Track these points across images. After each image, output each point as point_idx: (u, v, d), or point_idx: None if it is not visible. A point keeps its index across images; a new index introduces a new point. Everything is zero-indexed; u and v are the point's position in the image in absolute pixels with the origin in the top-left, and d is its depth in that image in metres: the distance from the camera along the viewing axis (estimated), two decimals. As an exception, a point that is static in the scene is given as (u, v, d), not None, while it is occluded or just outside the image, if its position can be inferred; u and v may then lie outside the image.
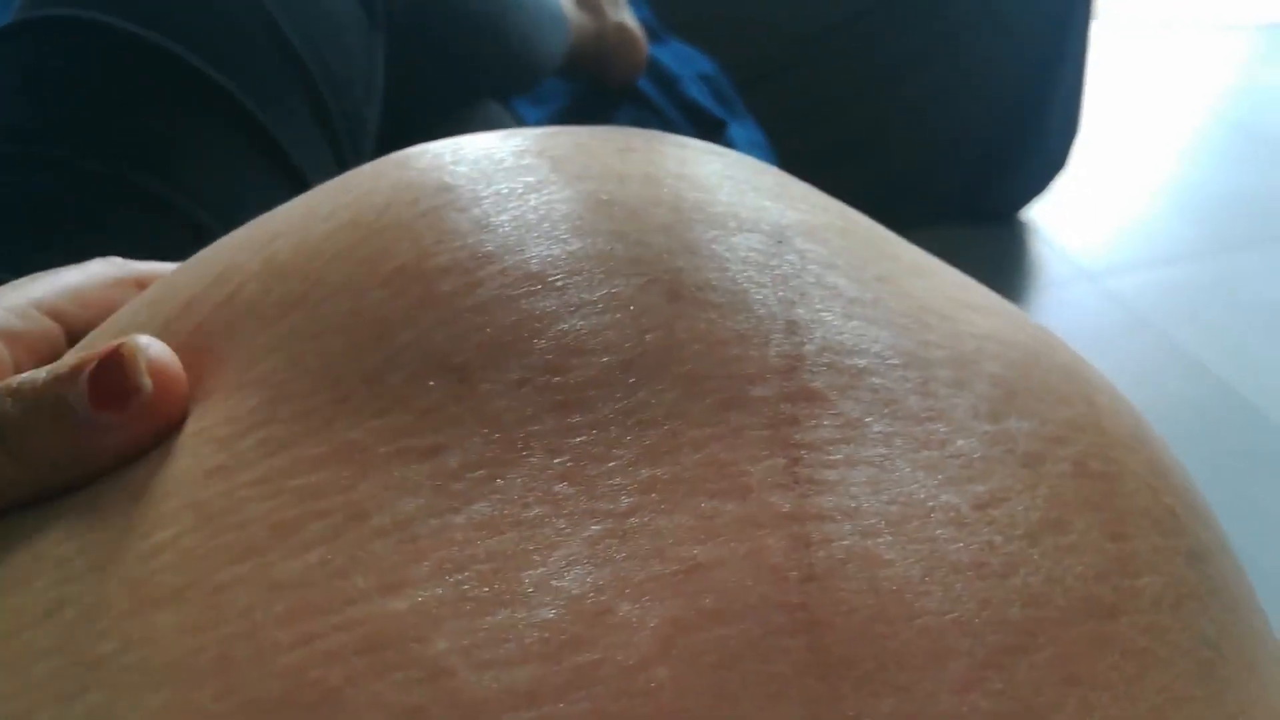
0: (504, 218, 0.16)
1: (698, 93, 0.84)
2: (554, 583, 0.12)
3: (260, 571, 0.12)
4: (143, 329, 0.17)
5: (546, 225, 0.16)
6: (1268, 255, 1.45)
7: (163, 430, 0.15)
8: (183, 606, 0.12)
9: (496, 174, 0.18)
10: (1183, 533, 0.15)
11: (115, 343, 0.15)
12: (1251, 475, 1.08)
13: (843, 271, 0.17)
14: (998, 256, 1.43)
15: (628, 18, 0.84)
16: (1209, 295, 1.37)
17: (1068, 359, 0.18)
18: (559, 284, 0.15)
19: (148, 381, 0.15)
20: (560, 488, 0.13)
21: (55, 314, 0.20)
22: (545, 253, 0.16)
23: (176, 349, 0.16)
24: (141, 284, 0.22)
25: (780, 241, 0.17)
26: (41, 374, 0.15)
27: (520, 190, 0.17)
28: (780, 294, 0.16)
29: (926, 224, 1.43)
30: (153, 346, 0.15)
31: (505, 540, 0.12)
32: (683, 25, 1.04)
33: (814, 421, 0.14)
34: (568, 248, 0.16)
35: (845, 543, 0.12)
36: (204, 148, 0.40)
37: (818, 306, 0.16)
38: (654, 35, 0.94)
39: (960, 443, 0.14)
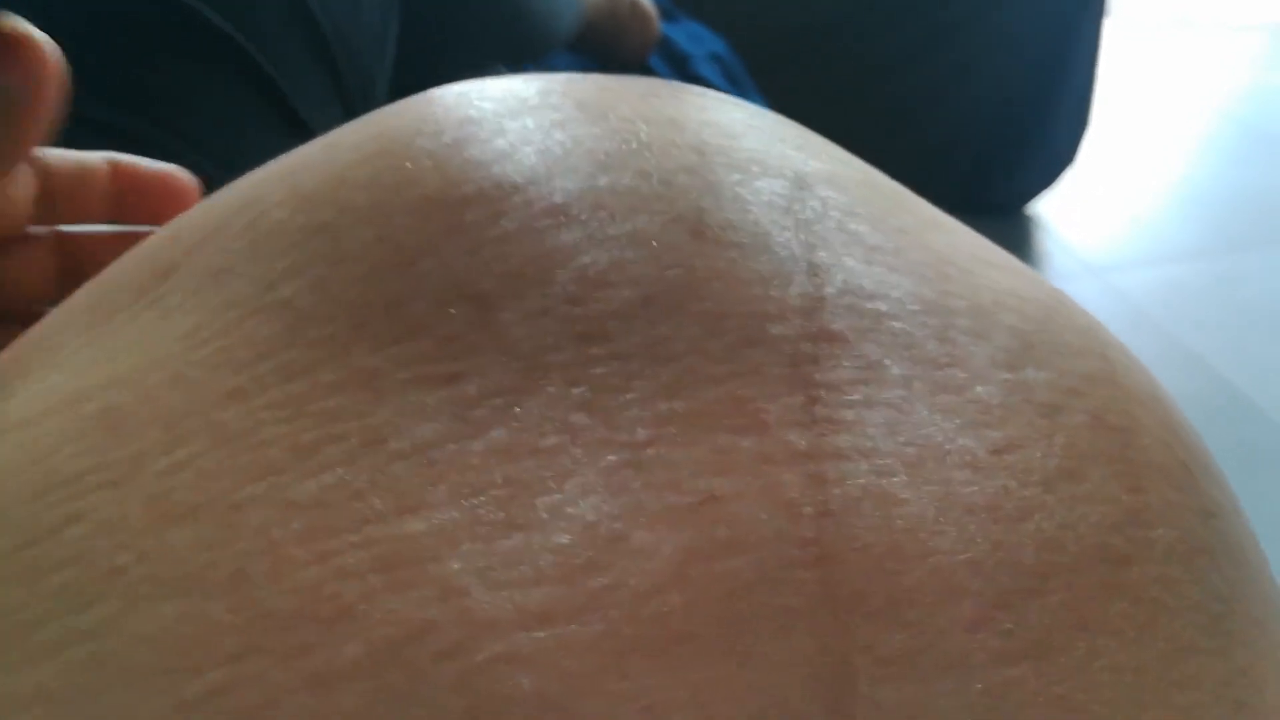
0: (529, 149, 0.16)
1: (709, 71, 0.84)
2: (569, 509, 0.12)
3: (277, 491, 0.12)
4: (160, 262, 0.17)
5: (572, 159, 0.16)
6: (1272, 255, 1.45)
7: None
8: (200, 523, 0.12)
9: (521, 109, 0.18)
10: (1196, 490, 0.15)
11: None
12: (1252, 473, 1.08)
13: (864, 219, 0.17)
14: (1006, 250, 1.43)
15: (641, -6, 0.83)
16: (1213, 294, 1.37)
17: (1084, 319, 0.18)
18: (583, 218, 0.15)
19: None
20: (578, 418, 0.13)
21: None
22: (570, 186, 0.16)
23: (198, 274, 0.16)
24: (34, 162, 0.23)
25: (803, 188, 0.17)
26: None
27: (546, 125, 0.17)
28: (802, 237, 0.16)
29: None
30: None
31: (522, 467, 0.12)
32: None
33: (833, 362, 0.14)
34: (593, 182, 0.16)
35: (861, 481, 0.12)
36: (214, 102, 0.40)
37: (840, 251, 0.16)
38: (667, 14, 0.94)
39: (978, 389, 0.14)
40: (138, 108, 0.38)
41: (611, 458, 0.12)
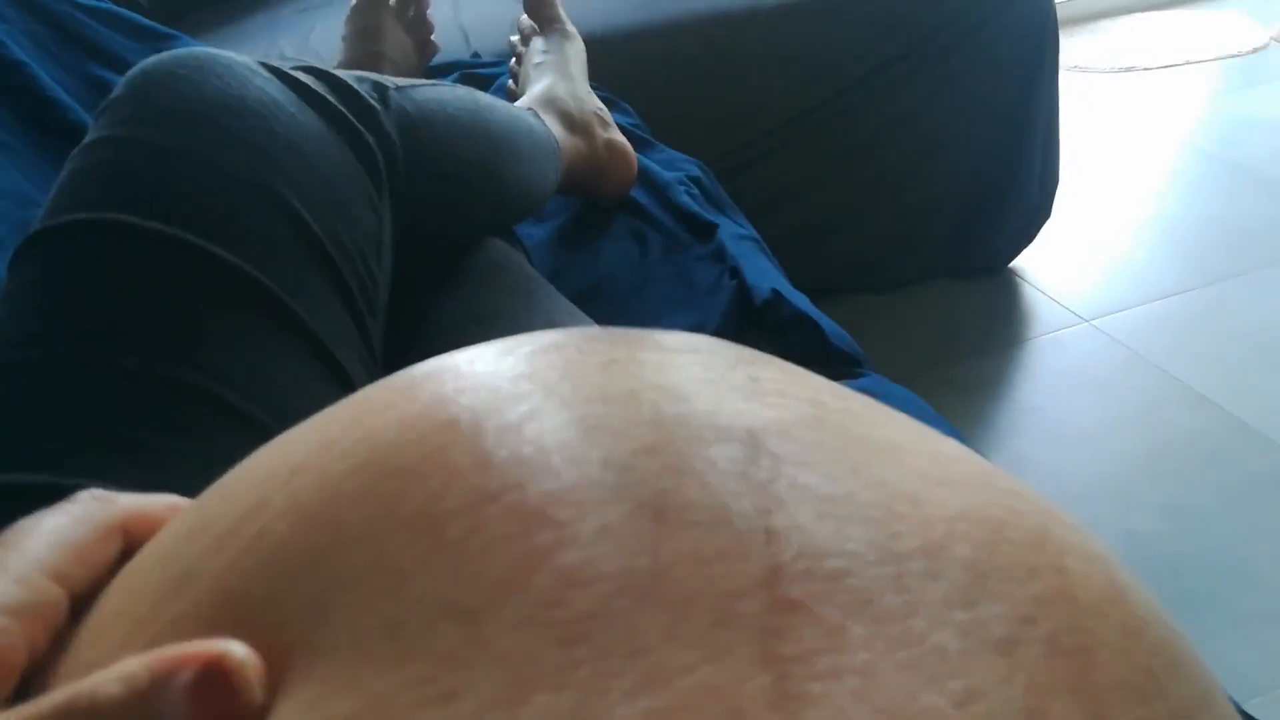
0: (503, 454, 0.18)
1: (686, 198, 0.89)
2: None
3: None
4: (178, 565, 0.18)
5: (541, 459, 0.18)
6: (1250, 281, 1.49)
7: None
8: None
9: (496, 404, 0.19)
10: (1163, 695, 0.16)
11: (214, 651, 0.15)
12: (1260, 497, 1.10)
13: (815, 469, 0.18)
14: (992, 307, 1.47)
15: (616, 134, 0.89)
16: (1200, 325, 1.40)
17: (1036, 524, 0.18)
18: (556, 517, 0.16)
19: (259, 693, 0.15)
20: None
21: (60, 578, 0.20)
22: (542, 488, 0.17)
23: (210, 592, 0.17)
24: (127, 530, 0.22)
25: (755, 447, 0.18)
26: (113, 685, 0.15)
27: (516, 421, 0.19)
28: (757, 503, 0.17)
29: (918, 281, 1.48)
30: (250, 658, 0.15)
31: None
32: (664, 122, 1.10)
33: (796, 633, 0.14)
34: (561, 481, 0.17)
35: None
36: (229, 331, 0.42)
37: (794, 510, 0.17)
38: (642, 143, 1.00)
39: (937, 637, 0.15)
40: (159, 349, 0.40)
41: None
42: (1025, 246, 1.50)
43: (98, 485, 0.25)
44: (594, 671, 0.14)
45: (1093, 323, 1.42)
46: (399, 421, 0.19)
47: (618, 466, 0.17)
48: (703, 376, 0.21)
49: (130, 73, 0.48)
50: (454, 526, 0.16)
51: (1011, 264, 1.53)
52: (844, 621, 0.15)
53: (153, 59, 0.49)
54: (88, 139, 0.46)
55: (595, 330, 0.24)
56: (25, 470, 0.35)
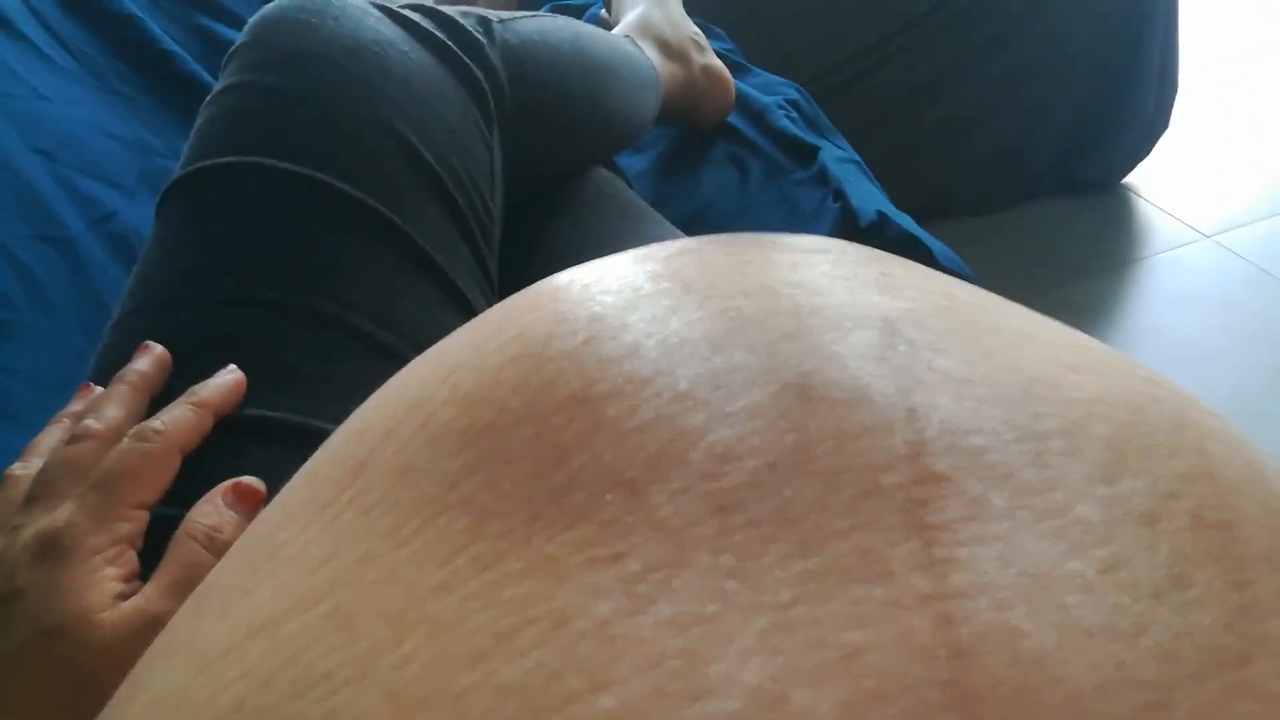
0: (651, 342, 0.18)
1: (786, 122, 0.88)
2: (736, 674, 0.13)
3: (489, 677, 0.13)
4: (352, 458, 0.20)
5: (688, 347, 0.18)
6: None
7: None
8: (432, 711, 0.13)
9: (638, 300, 0.20)
10: None
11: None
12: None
13: (951, 354, 0.18)
14: (1104, 225, 1.40)
15: (712, 59, 0.88)
16: (1334, 238, 1.32)
17: (1175, 408, 0.18)
18: (706, 399, 0.17)
19: None
20: (729, 585, 0.14)
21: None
22: (690, 371, 0.18)
23: (386, 472, 0.19)
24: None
25: (892, 334, 0.18)
26: None
27: (661, 314, 0.19)
28: (898, 384, 0.17)
29: (1023, 200, 1.42)
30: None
31: (689, 637, 0.13)
32: (754, 48, 1.08)
33: (941, 503, 0.15)
34: (709, 365, 0.18)
35: (983, 618, 0.13)
36: (360, 263, 0.44)
37: (933, 390, 0.17)
38: (738, 68, 0.98)
39: (1079, 509, 0.15)
40: (298, 282, 0.42)
41: (763, 621, 0.14)
42: (1140, 161, 1.43)
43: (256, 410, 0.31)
44: (751, 537, 0.15)
45: (1214, 238, 1.35)
46: (549, 318, 0.20)
47: (761, 352, 0.18)
48: (835, 273, 0.22)
49: (252, 20, 0.51)
50: (610, 408, 0.17)
51: (1124, 179, 1.46)
52: (986, 493, 0.15)
53: (273, 5, 0.51)
54: (218, 86, 0.48)
55: (726, 236, 0.24)
56: None
